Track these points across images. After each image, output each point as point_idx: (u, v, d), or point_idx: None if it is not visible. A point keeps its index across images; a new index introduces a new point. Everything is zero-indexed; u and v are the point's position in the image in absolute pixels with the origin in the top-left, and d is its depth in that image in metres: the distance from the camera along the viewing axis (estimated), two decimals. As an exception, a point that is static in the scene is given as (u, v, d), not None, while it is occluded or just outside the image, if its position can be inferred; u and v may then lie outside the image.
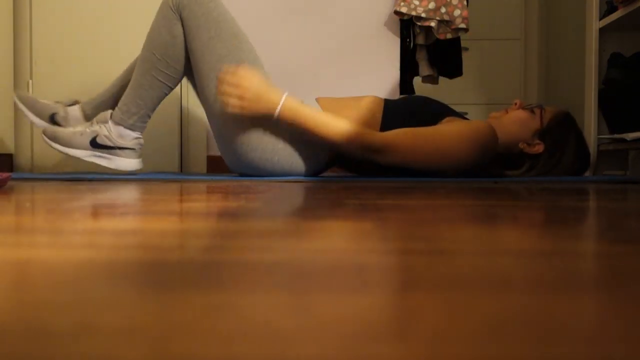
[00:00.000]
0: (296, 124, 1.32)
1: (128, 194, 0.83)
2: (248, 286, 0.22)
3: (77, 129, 1.46)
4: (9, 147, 2.04)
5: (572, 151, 1.46)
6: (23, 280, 0.23)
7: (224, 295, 0.21)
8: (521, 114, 1.48)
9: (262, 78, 1.34)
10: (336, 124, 1.33)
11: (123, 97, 1.45)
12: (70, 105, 1.53)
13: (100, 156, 1.46)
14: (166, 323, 0.17)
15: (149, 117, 1.48)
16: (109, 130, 1.44)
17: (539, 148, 1.45)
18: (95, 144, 1.45)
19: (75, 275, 0.24)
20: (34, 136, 2.08)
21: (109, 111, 1.47)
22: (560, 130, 1.46)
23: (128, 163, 1.48)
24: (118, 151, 1.46)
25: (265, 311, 0.18)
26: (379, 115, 1.45)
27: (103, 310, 0.18)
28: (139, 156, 1.51)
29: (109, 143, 1.45)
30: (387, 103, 1.48)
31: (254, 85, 1.31)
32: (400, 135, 1.36)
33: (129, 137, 1.46)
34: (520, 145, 1.46)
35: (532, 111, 1.48)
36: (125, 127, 1.45)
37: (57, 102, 1.55)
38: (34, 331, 0.16)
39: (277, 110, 1.31)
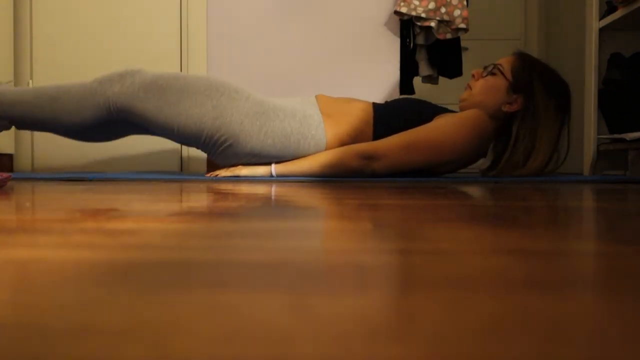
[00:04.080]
0: (293, 175, 1.42)
1: (128, 193, 0.83)
2: (248, 286, 0.22)
3: None
4: (9, 147, 2.04)
5: (539, 83, 1.41)
6: (23, 280, 0.23)
7: (224, 295, 0.21)
8: (485, 82, 1.45)
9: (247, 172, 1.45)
10: (325, 157, 1.38)
11: (8, 95, 1.39)
12: None
13: None
14: (166, 323, 0.17)
15: (19, 124, 1.42)
16: None
17: (519, 101, 1.42)
18: None
19: (75, 275, 0.24)
20: (34, 136, 2.08)
21: None
22: (524, 72, 1.43)
23: None
24: None
25: (265, 311, 0.18)
26: (371, 122, 1.45)
27: (103, 310, 0.18)
28: None
29: None
30: (376, 108, 1.48)
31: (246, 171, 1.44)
32: (393, 139, 1.37)
33: None
34: (504, 109, 1.43)
35: (492, 73, 1.45)
36: None
37: None
38: (34, 331, 0.16)
39: (273, 171, 1.42)
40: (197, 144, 1.43)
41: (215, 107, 1.38)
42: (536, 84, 1.41)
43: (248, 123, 1.39)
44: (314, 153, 1.43)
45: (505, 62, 1.46)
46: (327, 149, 1.43)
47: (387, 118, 1.45)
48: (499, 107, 1.43)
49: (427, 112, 1.46)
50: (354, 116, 1.45)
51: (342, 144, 1.43)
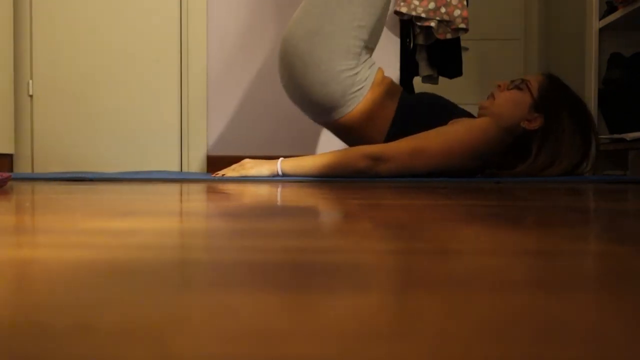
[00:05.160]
0: (299, 174, 1.41)
1: (128, 194, 0.83)
2: (249, 286, 0.22)
3: None
4: (9, 147, 2.04)
5: (567, 110, 1.41)
6: (23, 280, 0.23)
7: (224, 295, 0.21)
8: (510, 95, 1.44)
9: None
10: (332, 156, 1.39)
11: None
12: None
13: None
14: (166, 323, 0.17)
15: None
16: None
17: (539, 120, 1.40)
18: None
19: (75, 275, 0.24)
20: (34, 136, 2.08)
21: None
22: (552, 94, 1.42)
23: None
24: None
25: (265, 311, 0.18)
26: (393, 107, 1.48)
27: (103, 310, 0.18)
28: None
29: None
30: (402, 97, 1.52)
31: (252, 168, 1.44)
32: (402, 143, 1.37)
33: None
34: (522, 125, 1.42)
35: (519, 87, 1.45)
36: None
37: None
38: (33, 331, 0.16)
39: (278, 168, 1.41)
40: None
41: (362, 17, 1.43)
42: (564, 110, 1.40)
43: (347, 66, 1.44)
44: (341, 110, 1.48)
45: (534, 80, 1.45)
46: (352, 113, 1.48)
47: (409, 112, 1.49)
48: (518, 123, 1.42)
49: (445, 113, 1.47)
50: (382, 103, 1.49)
51: (363, 115, 1.49)
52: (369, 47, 1.51)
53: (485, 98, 3.19)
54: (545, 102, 1.41)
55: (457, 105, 1.52)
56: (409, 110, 1.48)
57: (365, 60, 1.49)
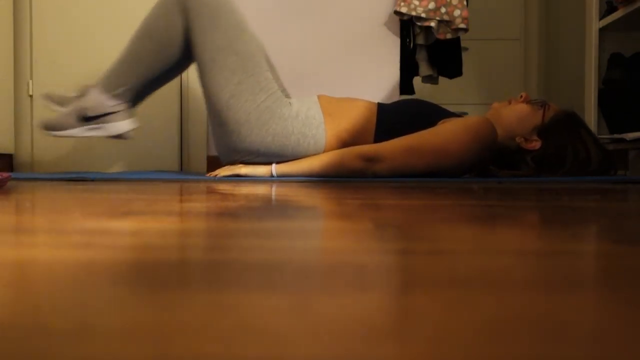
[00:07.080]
0: (294, 175, 1.41)
1: (128, 194, 0.83)
2: (248, 286, 0.22)
3: (63, 109, 1.44)
4: (9, 147, 2.03)
5: (572, 153, 1.40)
6: (23, 280, 0.23)
7: (224, 295, 0.21)
8: (523, 108, 1.44)
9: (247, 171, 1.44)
10: (327, 158, 1.37)
11: (113, 67, 1.44)
12: (82, 95, 1.46)
13: (94, 128, 1.44)
14: (166, 323, 0.17)
15: (139, 91, 1.46)
16: (93, 100, 1.42)
17: (536, 145, 1.40)
18: (85, 118, 1.43)
19: (75, 275, 0.24)
20: (34, 136, 2.08)
21: (91, 84, 1.45)
22: (560, 129, 1.41)
23: (122, 125, 1.45)
24: (108, 117, 1.43)
25: (265, 311, 0.18)
26: (373, 121, 1.45)
27: (103, 310, 0.18)
28: (132, 115, 1.48)
29: (96, 113, 1.42)
30: (381, 108, 1.47)
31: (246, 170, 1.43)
32: (396, 142, 1.36)
33: (114, 103, 1.43)
34: (517, 140, 1.42)
35: (538, 106, 1.44)
36: (110, 97, 1.42)
37: (65, 97, 1.48)
38: (34, 331, 0.16)
39: (273, 171, 1.41)
40: (209, 109, 1.43)
41: (238, 84, 1.38)
42: (571, 144, 1.41)
43: (254, 117, 1.38)
44: (313, 152, 1.42)
45: (553, 108, 1.45)
46: (326, 147, 1.42)
47: (390, 118, 1.44)
48: (514, 137, 1.42)
49: (432, 115, 1.45)
50: (356, 114, 1.44)
51: (342, 141, 1.43)
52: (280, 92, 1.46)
53: (489, 98, 3.17)
54: (551, 133, 1.41)
55: (441, 107, 1.51)
56: (391, 118, 1.44)
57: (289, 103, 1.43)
